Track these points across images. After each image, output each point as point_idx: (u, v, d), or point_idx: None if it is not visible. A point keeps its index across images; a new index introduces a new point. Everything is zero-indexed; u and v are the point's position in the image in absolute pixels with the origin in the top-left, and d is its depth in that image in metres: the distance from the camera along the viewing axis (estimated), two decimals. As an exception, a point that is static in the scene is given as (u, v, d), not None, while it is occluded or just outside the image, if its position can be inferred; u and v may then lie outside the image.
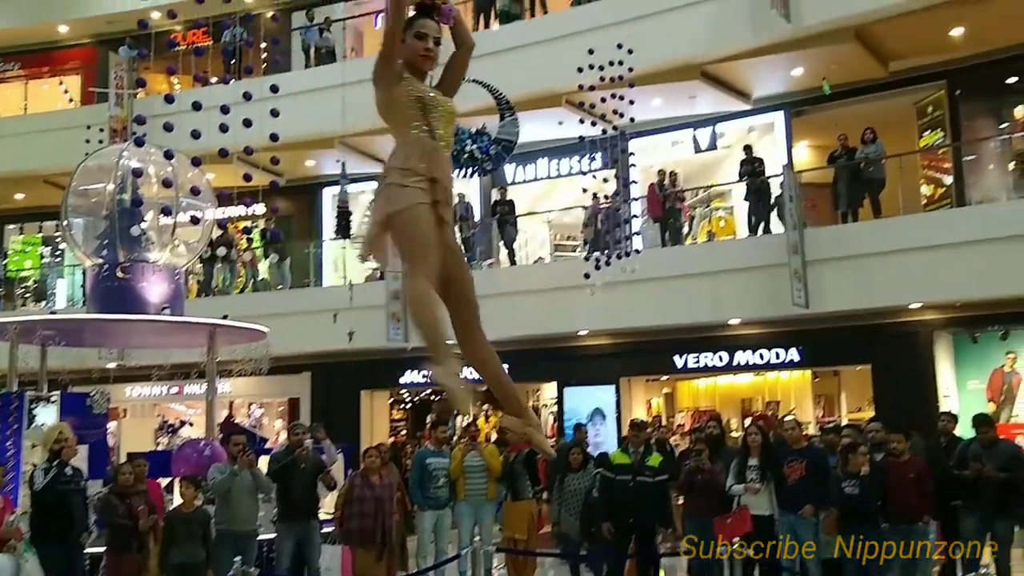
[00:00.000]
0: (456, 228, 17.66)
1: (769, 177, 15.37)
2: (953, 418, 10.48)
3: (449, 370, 3.35)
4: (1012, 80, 15.13)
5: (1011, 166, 14.18)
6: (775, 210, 15.08)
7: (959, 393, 14.56)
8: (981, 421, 9.38)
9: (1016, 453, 9.18)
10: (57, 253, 23.19)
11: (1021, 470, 8.78)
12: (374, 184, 20.11)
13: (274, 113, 7.79)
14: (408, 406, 21.26)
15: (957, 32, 14.33)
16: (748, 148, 15.94)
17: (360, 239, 3.41)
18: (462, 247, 3.84)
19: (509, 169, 18.46)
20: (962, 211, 14.14)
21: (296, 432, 9.68)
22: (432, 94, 3.68)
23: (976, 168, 15.26)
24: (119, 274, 10.77)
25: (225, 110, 7.31)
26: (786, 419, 11.66)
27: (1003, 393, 14.24)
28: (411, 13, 3.61)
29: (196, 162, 8.05)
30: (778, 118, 16.83)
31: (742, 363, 15.98)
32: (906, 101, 16.05)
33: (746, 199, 15.38)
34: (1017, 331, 14.08)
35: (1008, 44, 14.44)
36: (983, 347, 14.49)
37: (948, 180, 15.42)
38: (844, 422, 15.41)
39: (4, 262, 22.93)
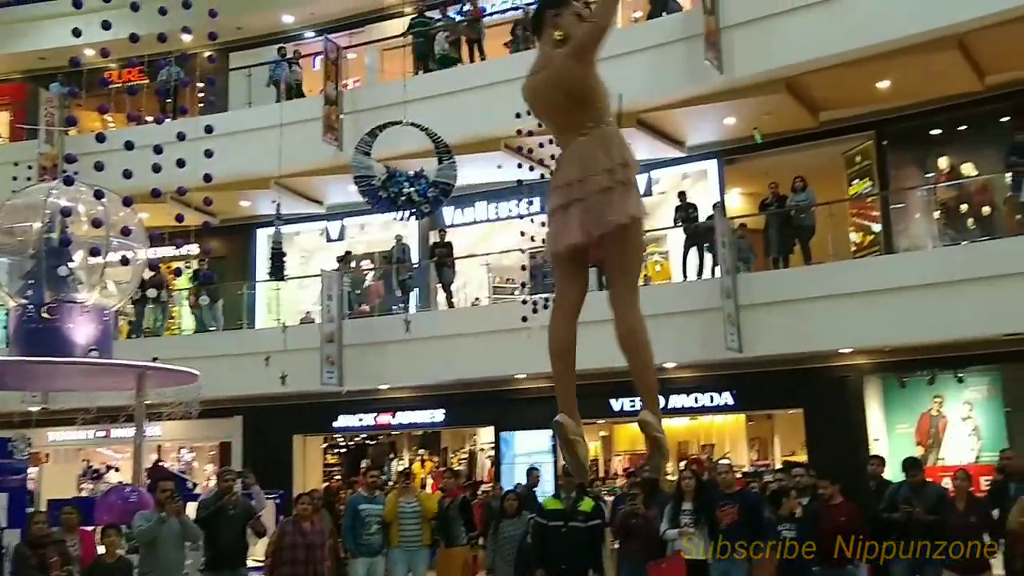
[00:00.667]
0: (394, 270, 17.69)
1: (703, 224, 15.58)
2: (882, 461, 10.66)
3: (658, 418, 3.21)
4: (936, 132, 15.64)
5: (936, 215, 14.60)
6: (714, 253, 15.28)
7: (888, 436, 14.84)
8: (910, 464, 9.55)
9: (944, 496, 9.35)
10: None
11: (949, 513, 8.94)
12: (310, 225, 20.04)
13: (208, 154, 7.68)
14: (342, 451, 20.97)
15: (884, 85, 14.78)
16: (682, 194, 16.18)
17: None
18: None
19: (448, 212, 18.47)
20: (890, 258, 14.50)
21: (226, 477, 9.46)
22: None
23: (903, 216, 15.68)
24: (44, 315, 10.47)
25: (158, 150, 7.19)
26: (719, 463, 11.75)
27: (930, 436, 14.55)
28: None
29: (127, 202, 7.89)
30: (711, 166, 17.13)
31: (677, 407, 16.08)
32: (835, 150, 16.47)
33: (685, 245, 15.60)
34: (944, 376, 14.42)
35: (933, 97, 14.93)
36: (911, 391, 14.80)
37: (877, 228, 15.81)
38: (777, 465, 15.60)
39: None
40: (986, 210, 14.15)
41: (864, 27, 13.35)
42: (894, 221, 15.59)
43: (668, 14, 15.92)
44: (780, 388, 15.13)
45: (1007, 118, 14.92)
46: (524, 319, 12.37)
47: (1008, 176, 13.75)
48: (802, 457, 14.90)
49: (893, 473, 10.69)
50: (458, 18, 18.34)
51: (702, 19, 14.38)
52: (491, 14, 18.37)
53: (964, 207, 14.37)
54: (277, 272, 17.10)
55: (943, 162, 15.10)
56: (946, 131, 15.57)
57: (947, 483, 10.84)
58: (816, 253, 15.07)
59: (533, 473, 13.00)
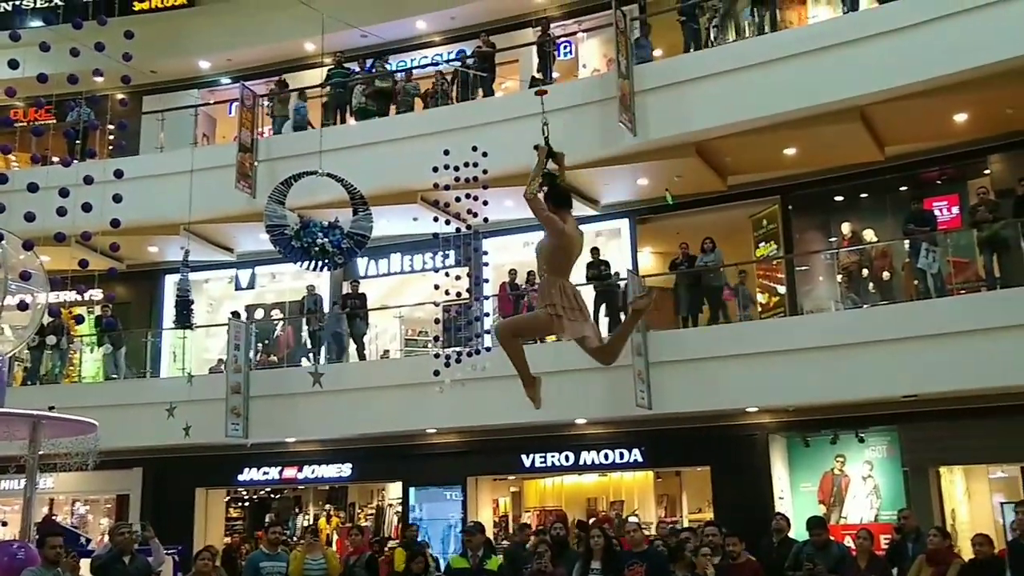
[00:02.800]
0: (304, 321, 17.41)
1: (614, 281, 15.79)
2: (787, 519, 10.83)
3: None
4: (839, 199, 16.22)
5: (839, 278, 15.06)
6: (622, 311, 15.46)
7: (793, 494, 15.09)
8: (815, 523, 9.72)
9: (846, 555, 9.54)
10: None
11: (851, 572, 9.11)
12: (217, 272, 19.66)
13: (116, 198, 7.52)
14: (246, 504, 20.41)
15: (790, 152, 15.28)
16: (595, 251, 16.38)
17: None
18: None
19: (361, 263, 18.37)
20: (795, 319, 14.88)
21: (120, 531, 9.10)
22: None
23: (808, 278, 16.14)
24: (-66, 359, 10.00)
25: (64, 193, 7.00)
26: (628, 520, 11.77)
27: (833, 495, 14.84)
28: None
29: (28, 245, 7.65)
30: (624, 224, 17.41)
31: (587, 463, 16.12)
32: (743, 213, 16.92)
33: (596, 301, 15.72)
34: (846, 435, 14.77)
35: (836, 165, 15.50)
36: (815, 450, 15.11)
37: (782, 290, 16.24)
38: (685, 523, 15.70)
39: None
40: (886, 275, 14.65)
41: (771, 96, 13.83)
42: (799, 283, 16.03)
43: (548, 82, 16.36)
44: (688, 445, 15.30)
45: (905, 187, 15.59)
46: (436, 373, 12.29)
47: (907, 243, 14.27)
48: (708, 514, 15.04)
49: (797, 531, 10.87)
50: (374, 71, 18.42)
51: (616, 82, 14.71)
52: (408, 69, 18.47)
53: (865, 272, 14.85)
54: (183, 320, 16.70)
55: (846, 227, 15.64)
56: (848, 198, 16.17)
57: (848, 542, 11.07)
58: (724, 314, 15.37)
59: (410, 528, 12.93)
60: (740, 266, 16.06)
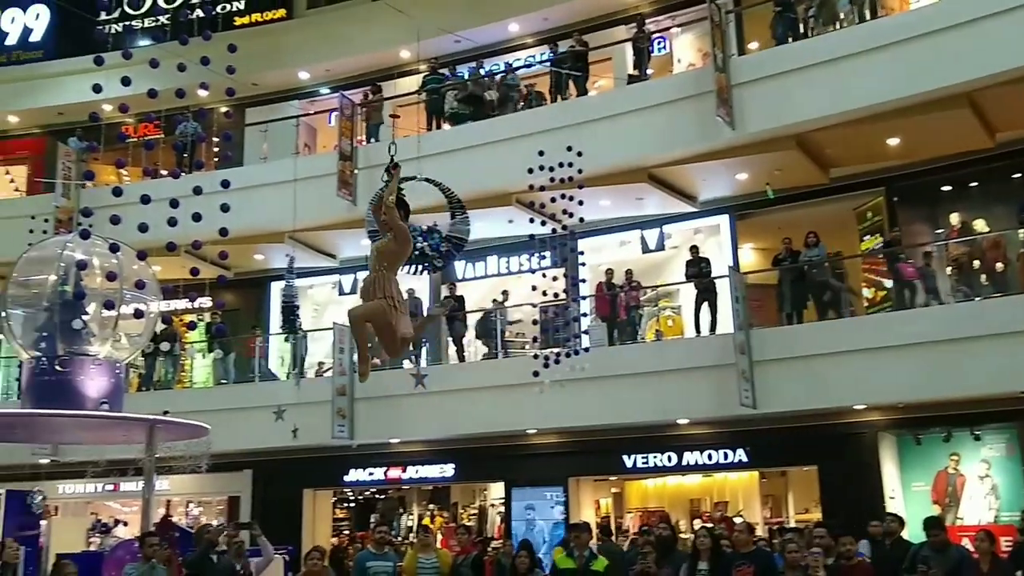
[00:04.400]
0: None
1: (715, 278, 15.58)
2: (899, 520, 10.49)
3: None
4: (947, 188, 15.67)
5: (948, 271, 14.55)
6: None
7: (904, 494, 14.63)
8: (932, 524, 9.40)
9: (967, 558, 9.18)
10: (-8, 344, 22.59)
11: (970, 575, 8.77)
12: (321, 278, 20.08)
13: (224, 208, 7.74)
14: (351, 505, 20.80)
15: (894, 142, 14.85)
16: (695, 249, 16.20)
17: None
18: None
19: (459, 266, 18.53)
20: (903, 314, 14.41)
21: (207, 530, 9.41)
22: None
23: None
24: (57, 367, 10.48)
25: (174, 204, 7.24)
26: (735, 521, 11.60)
27: (948, 495, 14.33)
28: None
29: (142, 255, 7.93)
30: (723, 221, 17.18)
31: (690, 463, 15.93)
32: (846, 206, 16.50)
33: (697, 300, 15.57)
34: (960, 433, 14.24)
35: (942, 154, 14.98)
36: (927, 449, 14.62)
37: (888, 283, 15.77)
38: (791, 523, 15.39)
39: (-64, 351, 22.27)
40: (999, 266, 14.09)
41: (873, 85, 13.47)
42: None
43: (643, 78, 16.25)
44: (794, 445, 14.98)
45: (1018, 175, 14.95)
46: (535, 374, 12.31)
47: (1021, 232, 13.71)
48: (816, 515, 14.70)
49: (910, 532, 10.54)
50: (466, 76, 18.55)
51: (713, 76, 14.51)
52: (503, 72, 18.53)
53: (976, 263, 14.31)
54: (290, 325, 17.12)
55: (954, 218, 15.10)
56: (957, 187, 15.60)
57: (966, 544, 10.67)
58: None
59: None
60: (845, 260, 15.65)
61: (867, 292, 16.12)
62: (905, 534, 10.38)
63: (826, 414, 14.39)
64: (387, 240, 6.73)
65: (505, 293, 17.59)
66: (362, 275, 19.92)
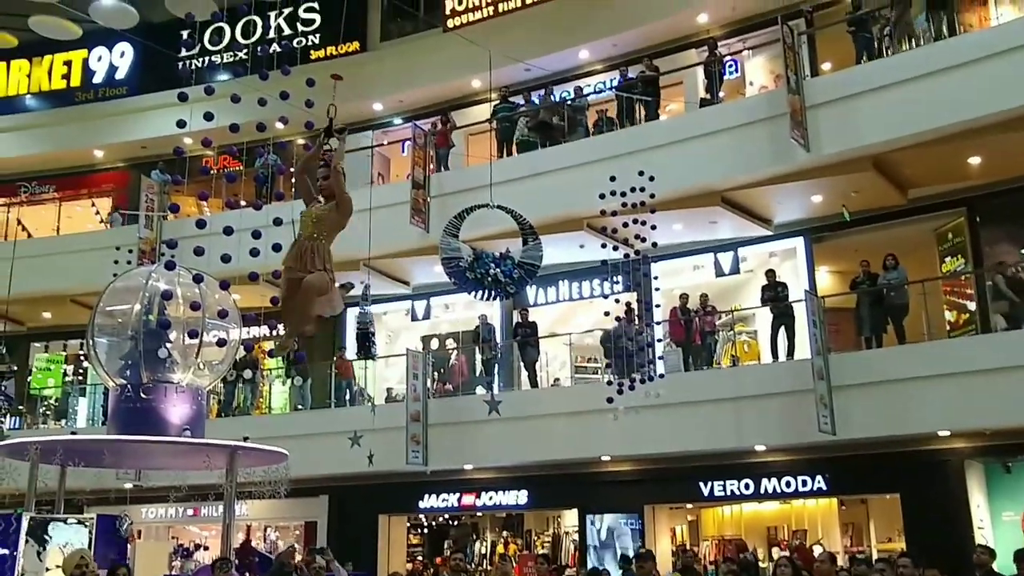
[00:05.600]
0: (477, 349, 17.69)
1: (792, 302, 15.36)
2: (990, 552, 10.15)
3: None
4: (1032, 208, 15.23)
5: (1034, 292, 14.10)
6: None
7: (993, 524, 14.16)
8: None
9: (1058, 590, 8.85)
10: (80, 371, 23.32)
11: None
12: (394, 304, 20.31)
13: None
14: (424, 531, 20.87)
15: (974, 160, 14.51)
16: (771, 273, 15.99)
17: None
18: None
19: (531, 291, 18.57)
20: (987, 337, 14.01)
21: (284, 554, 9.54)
22: (304, 210, 6.69)
23: (999, 294, 15.19)
24: (142, 395, 10.77)
25: (256, 235, 7.40)
26: (816, 551, 11.36)
27: (1040, 526, 13.84)
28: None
29: (224, 285, 8.13)
30: (799, 243, 16.95)
31: (768, 490, 15.65)
32: (926, 227, 16.15)
33: (774, 325, 15.35)
34: (1051, 460, 13.78)
35: (1026, 173, 14.60)
36: (1017, 477, 14.15)
37: (971, 306, 15.36)
38: (874, 553, 14.99)
39: (28, 379, 23.05)
40: (1090, 288, 13.63)
41: (951, 104, 13.20)
42: (990, 299, 15.10)
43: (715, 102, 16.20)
44: (875, 472, 14.63)
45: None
46: (609, 400, 12.26)
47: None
48: (899, 544, 14.32)
49: (1002, 564, 10.18)
50: (538, 103, 18.67)
51: (786, 98, 14.38)
52: (574, 99, 18.60)
53: (1066, 285, 13.87)
54: (365, 352, 17.32)
55: (1041, 238, 14.67)
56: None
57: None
58: (910, 333, 14.66)
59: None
60: (926, 282, 15.30)
61: (949, 315, 15.72)
62: (995, 566, 10.04)
63: (908, 440, 14.02)
64: (329, 208, 6.50)
65: None
66: (435, 300, 20.24)
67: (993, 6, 15.58)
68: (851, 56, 15.49)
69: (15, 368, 21.85)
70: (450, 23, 19.29)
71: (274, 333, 16.60)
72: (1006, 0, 15.44)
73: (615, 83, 18.45)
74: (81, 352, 22.22)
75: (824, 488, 15.31)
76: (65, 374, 23.79)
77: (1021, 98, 12.72)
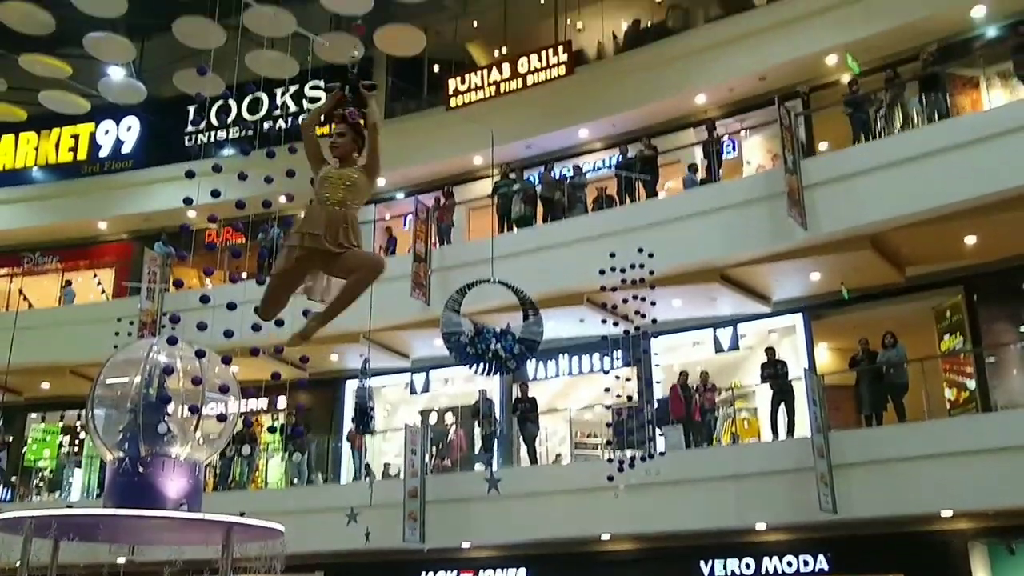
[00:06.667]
0: (476, 424, 17.62)
1: (792, 380, 15.37)
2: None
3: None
4: (1029, 286, 15.34)
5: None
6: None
7: (998, 607, 13.96)
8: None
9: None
10: (75, 443, 23.18)
11: None
12: (395, 378, 20.29)
13: (306, 313, 7.93)
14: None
15: (970, 240, 14.66)
16: (770, 350, 16.02)
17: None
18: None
19: (531, 365, 18.57)
20: (988, 416, 13.99)
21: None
22: (329, 171, 5.36)
23: (999, 372, 15.21)
24: (139, 468, 10.70)
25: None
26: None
27: (1045, 608, 13.64)
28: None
29: (227, 360, 8.12)
30: (798, 320, 17.00)
31: (769, 570, 15.40)
32: (924, 305, 16.22)
33: (773, 402, 15.34)
34: (1056, 542, 13.64)
35: (1022, 251, 14.72)
36: (1021, 558, 13.97)
37: (971, 384, 15.35)
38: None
39: (23, 451, 22.89)
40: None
41: (947, 184, 13.42)
42: (989, 377, 15.11)
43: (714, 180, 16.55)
44: (878, 552, 14.44)
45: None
46: (610, 478, 12.19)
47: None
48: (904, 627, 14.09)
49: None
50: (535, 180, 18.92)
51: (783, 177, 14.58)
52: (572, 177, 18.84)
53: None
54: (364, 427, 17.26)
55: (1039, 316, 14.74)
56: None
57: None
58: (910, 411, 14.64)
59: None
60: (925, 361, 15.32)
61: (949, 393, 15.71)
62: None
63: (911, 520, 13.90)
64: (359, 171, 5.34)
65: None
66: (434, 374, 20.20)
67: (985, 89, 15.90)
68: (848, 136, 15.78)
69: (11, 439, 21.75)
70: (453, 102, 19.63)
71: (274, 405, 16.72)
72: (997, 84, 15.75)
73: (615, 161, 18.72)
74: (78, 423, 22.13)
75: (826, 568, 15.09)
76: (61, 445, 23.62)
77: (1014, 180, 12.95)
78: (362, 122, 5.41)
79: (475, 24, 21.84)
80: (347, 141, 5.41)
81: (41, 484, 22.16)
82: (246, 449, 14.61)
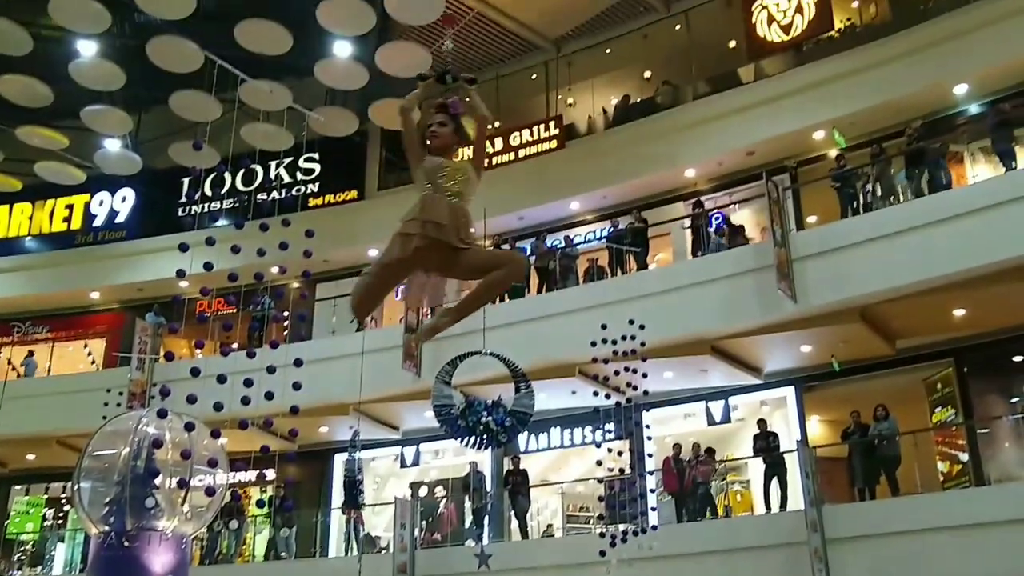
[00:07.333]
0: (467, 498, 17.43)
1: (784, 452, 15.29)
2: None
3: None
4: (1020, 359, 15.38)
5: (1027, 444, 14.11)
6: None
7: None
8: None
9: None
10: (60, 516, 22.84)
11: None
12: (383, 450, 20.10)
13: (296, 386, 7.94)
14: None
15: (959, 312, 14.73)
16: (762, 423, 15.97)
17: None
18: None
19: (522, 437, 18.45)
20: (983, 490, 13.92)
21: None
22: (444, 161, 4.86)
23: (991, 444, 15.17)
24: (125, 542, 10.56)
25: (248, 383, 7.45)
26: None
27: None
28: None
29: (216, 434, 8.09)
30: (790, 392, 16.99)
31: (764, 648, 15.16)
32: (915, 378, 16.24)
33: (766, 475, 15.25)
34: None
35: (1011, 324, 14.79)
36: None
37: (964, 457, 15.30)
38: None
39: (5, 523, 22.53)
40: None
41: (935, 258, 13.51)
42: (982, 449, 15.07)
43: (706, 252, 16.64)
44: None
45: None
46: (602, 553, 12.04)
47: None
48: None
49: None
50: (528, 251, 19.04)
51: (772, 251, 14.70)
52: (563, 248, 18.97)
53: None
54: (353, 500, 17.07)
55: (1029, 390, 14.76)
56: (1028, 358, 15.32)
57: None
58: (903, 484, 14.55)
59: None
60: (917, 434, 15.28)
61: (942, 466, 15.64)
62: None
63: (909, 597, 13.71)
64: (470, 166, 4.88)
65: None
66: (424, 446, 20.04)
67: (969, 164, 16.15)
68: (836, 209, 15.96)
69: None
70: (446, 174, 19.82)
71: (262, 478, 16.42)
72: (981, 159, 16.01)
73: (606, 232, 18.87)
74: (63, 496, 21.84)
75: (822, 646, 14.84)
76: (44, 518, 23.27)
77: (1000, 253, 13.05)
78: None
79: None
80: (449, 132, 4.90)
81: (23, 558, 21.76)
82: (234, 523, 14.39)
